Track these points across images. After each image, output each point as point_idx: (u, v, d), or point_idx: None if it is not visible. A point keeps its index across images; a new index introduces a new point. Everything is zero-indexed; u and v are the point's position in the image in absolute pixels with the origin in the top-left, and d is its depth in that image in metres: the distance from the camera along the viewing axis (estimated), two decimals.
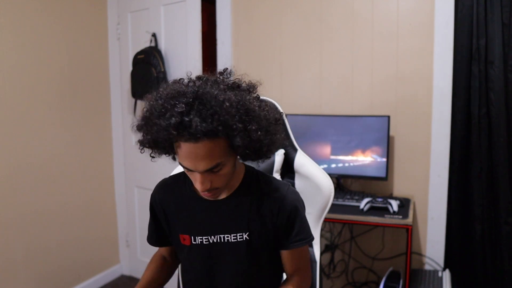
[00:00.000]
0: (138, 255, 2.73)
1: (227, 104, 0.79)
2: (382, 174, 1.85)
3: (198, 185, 0.86)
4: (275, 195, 0.98)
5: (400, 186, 1.97)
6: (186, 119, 0.77)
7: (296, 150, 1.28)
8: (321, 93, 2.09)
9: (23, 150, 2.11)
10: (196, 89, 0.80)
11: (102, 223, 2.65)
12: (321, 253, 1.92)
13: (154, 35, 2.41)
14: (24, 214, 2.13)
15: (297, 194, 1.02)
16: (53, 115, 2.26)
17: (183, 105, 0.78)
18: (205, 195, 0.93)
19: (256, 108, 0.85)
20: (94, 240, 2.58)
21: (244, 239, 0.98)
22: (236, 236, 0.98)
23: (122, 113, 2.67)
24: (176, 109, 0.78)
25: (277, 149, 0.98)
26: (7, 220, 2.05)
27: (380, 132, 1.84)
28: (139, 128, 0.88)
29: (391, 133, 1.94)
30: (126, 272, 2.80)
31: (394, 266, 1.91)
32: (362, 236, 2.06)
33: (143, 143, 0.89)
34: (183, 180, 1.04)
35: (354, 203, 1.78)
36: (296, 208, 0.99)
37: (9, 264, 2.06)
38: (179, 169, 1.24)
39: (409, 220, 1.60)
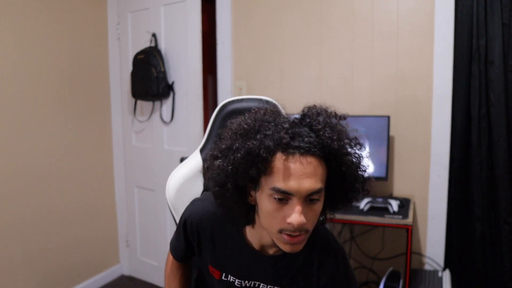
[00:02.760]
0: (138, 255, 2.73)
1: (335, 123, 0.73)
2: (382, 174, 1.85)
3: (294, 217, 0.70)
4: (326, 252, 0.88)
5: (400, 186, 1.97)
6: (296, 129, 0.71)
7: None
8: (321, 93, 2.09)
9: (23, 150, 2.11)
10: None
11: (102, 223, 2.65)
12: None
13: (154, 35, 2.41)
14: (24, 214, 2.13)
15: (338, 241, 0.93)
16: (53, 115, 2.26)
17: (292, 119, 0.73)
18: (291, 242, 0.73)
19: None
20: (94, 240, 2.58)
21: None
22: (273, 287, 0.90)
23: (122, 113, 2.67)
24: (283, 123, 0.71)
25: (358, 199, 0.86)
26: (7, 220, 2.05)
27: (380, 132, 1.85)
28: (218, 153, 0.75)
29: (391, 133, 1.94)
30: (126, 272, 2.80)
31: (394, 266, 1.91)
32: (362, 236, 2.06)
33: (221, 173, 0.75)
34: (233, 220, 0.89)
35: (354, 203, 1.78)
36: (347, 262, 0.91)
37: (9, 264, 2.06)
38: (186, 168, 1.19)
39: (409, 220, 1.60)
